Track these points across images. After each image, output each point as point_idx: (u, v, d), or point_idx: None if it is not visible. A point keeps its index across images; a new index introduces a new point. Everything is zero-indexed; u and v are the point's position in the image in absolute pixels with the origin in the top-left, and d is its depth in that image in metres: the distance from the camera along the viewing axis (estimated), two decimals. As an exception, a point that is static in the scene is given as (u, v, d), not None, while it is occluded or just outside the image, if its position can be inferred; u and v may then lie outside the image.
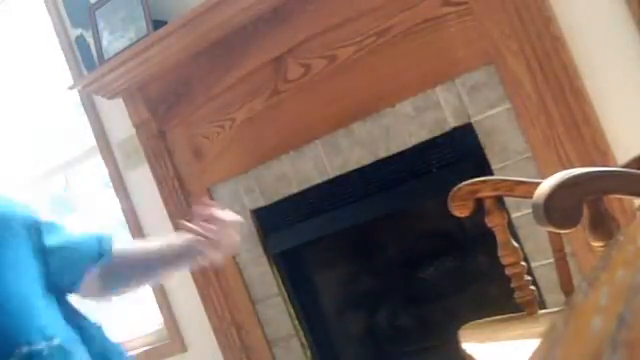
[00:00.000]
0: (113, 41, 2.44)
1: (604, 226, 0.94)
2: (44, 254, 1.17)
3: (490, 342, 1.28)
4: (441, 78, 2.00)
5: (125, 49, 2.35)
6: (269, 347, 2.46)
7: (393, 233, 2.55)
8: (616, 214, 1.59)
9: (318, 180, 2.26)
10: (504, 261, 1.37)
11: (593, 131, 1.84)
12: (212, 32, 2.23)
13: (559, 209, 0.82)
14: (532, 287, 1.37)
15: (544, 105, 1.87)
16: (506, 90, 1.92)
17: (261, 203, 2.38)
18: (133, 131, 2.56)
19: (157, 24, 2.33)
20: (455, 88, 1.99)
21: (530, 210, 0.87)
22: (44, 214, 1.23)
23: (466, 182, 1.34)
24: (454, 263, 2.46)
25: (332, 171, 2.23)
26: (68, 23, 2.74)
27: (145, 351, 2.89)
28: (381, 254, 2.62)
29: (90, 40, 2.63)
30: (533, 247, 1.93)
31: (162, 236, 1.40)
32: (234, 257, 2.45)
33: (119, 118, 2.63)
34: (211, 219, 1.29)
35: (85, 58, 2.71)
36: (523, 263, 1.38)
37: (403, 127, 2.08)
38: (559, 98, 1.85)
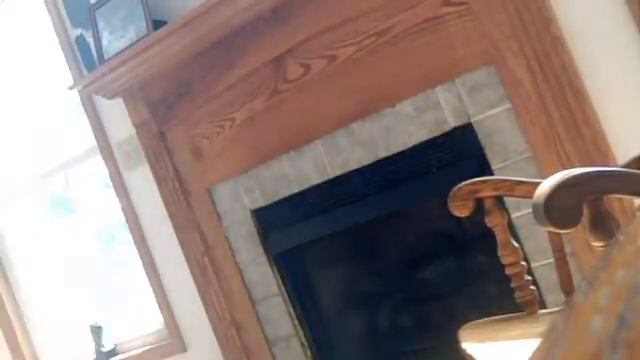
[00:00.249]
0: (113, 41, 2.44)
1: (604, 226, 0.94)
2: None
3: (490, 342, 1.28)
4: (441, 78, 2.00)
5: (125, 49, 2.35)
6: (269, 347, 2.46)
7: (393, 233, 2.55)
8: (616, 214, 1.60)
9: (318, 180, 2.26)
10: (504, 261, 1.37)
11: (593, 131, 1.84)
12: (212, 32, 2.23)
13: (559, 209, 0.82)
14: (532, 287, 1.37)
15: (544, 105, 1.87)
16: (506, 90, 1.92)
17: (261, 203, 2.38)
18: (133, 131, 2.56)
19: (157, 24, 2.33)
20: (455, 88, 1.99)
21: (530, 210, 0.87)
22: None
23: (466, 182, 1.34)
24: (454, 263, 2.45)
25: (332, 171, 2.23)
26: (68, 23, 2.74)
27: (145, 351, 2.90)
28: (381, 254, 2.61)
29: (90, 40, 2.63)
30: (533, 247, 1.93)
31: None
32: (234, 257, 2.45)
33: (119, 118, 2.63)
34: None
35: (85, 58, 2.71)
36: (523, 263, 1.38)
37: (403, 127, 2.08)
38: (559, 98, 1.85)
